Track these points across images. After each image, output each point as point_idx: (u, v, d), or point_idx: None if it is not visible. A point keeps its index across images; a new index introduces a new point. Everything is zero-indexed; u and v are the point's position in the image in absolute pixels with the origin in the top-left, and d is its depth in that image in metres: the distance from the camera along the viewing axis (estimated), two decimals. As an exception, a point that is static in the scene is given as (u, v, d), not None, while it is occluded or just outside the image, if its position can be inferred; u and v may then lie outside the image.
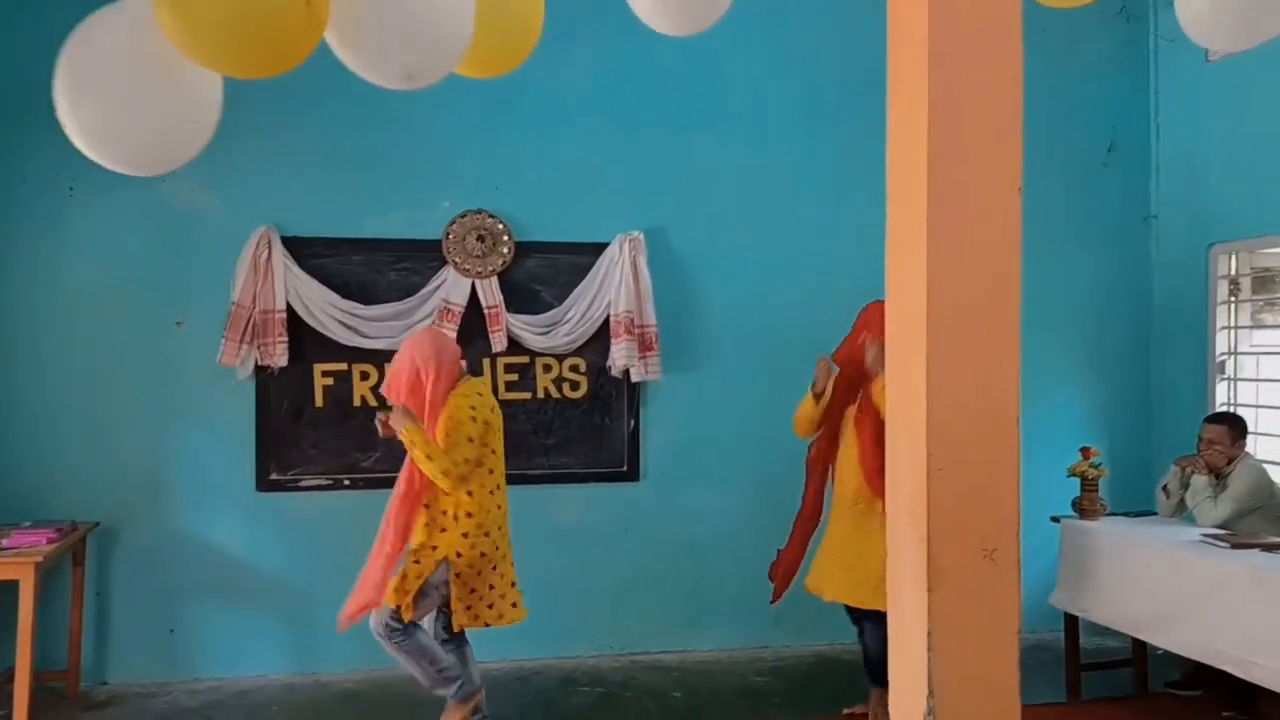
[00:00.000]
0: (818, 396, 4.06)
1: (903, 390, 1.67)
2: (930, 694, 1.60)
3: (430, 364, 3.64)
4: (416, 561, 3.65)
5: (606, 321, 5.00)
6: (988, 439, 1.61)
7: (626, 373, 5.02)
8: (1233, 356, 5.16)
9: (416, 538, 3.68)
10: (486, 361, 4.95)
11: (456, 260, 4.90)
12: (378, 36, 1.51)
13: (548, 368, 5.06)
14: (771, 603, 4.23)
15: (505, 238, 4.96)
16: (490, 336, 4.90)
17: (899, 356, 1.69)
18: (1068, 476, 4.42)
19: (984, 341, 1.61)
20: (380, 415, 3.67)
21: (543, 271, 5.05)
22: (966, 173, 1.60)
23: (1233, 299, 5.17)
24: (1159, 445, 5.44)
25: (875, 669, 4.03)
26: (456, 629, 3.77)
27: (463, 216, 4.94)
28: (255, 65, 1.44)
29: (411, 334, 4.04)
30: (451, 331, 4.81)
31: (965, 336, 1.60)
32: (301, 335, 4.77)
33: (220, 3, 1.35)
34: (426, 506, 3.69)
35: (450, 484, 3.53)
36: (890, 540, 1.73)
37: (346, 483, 4.85)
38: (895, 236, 1.71)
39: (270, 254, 4.69)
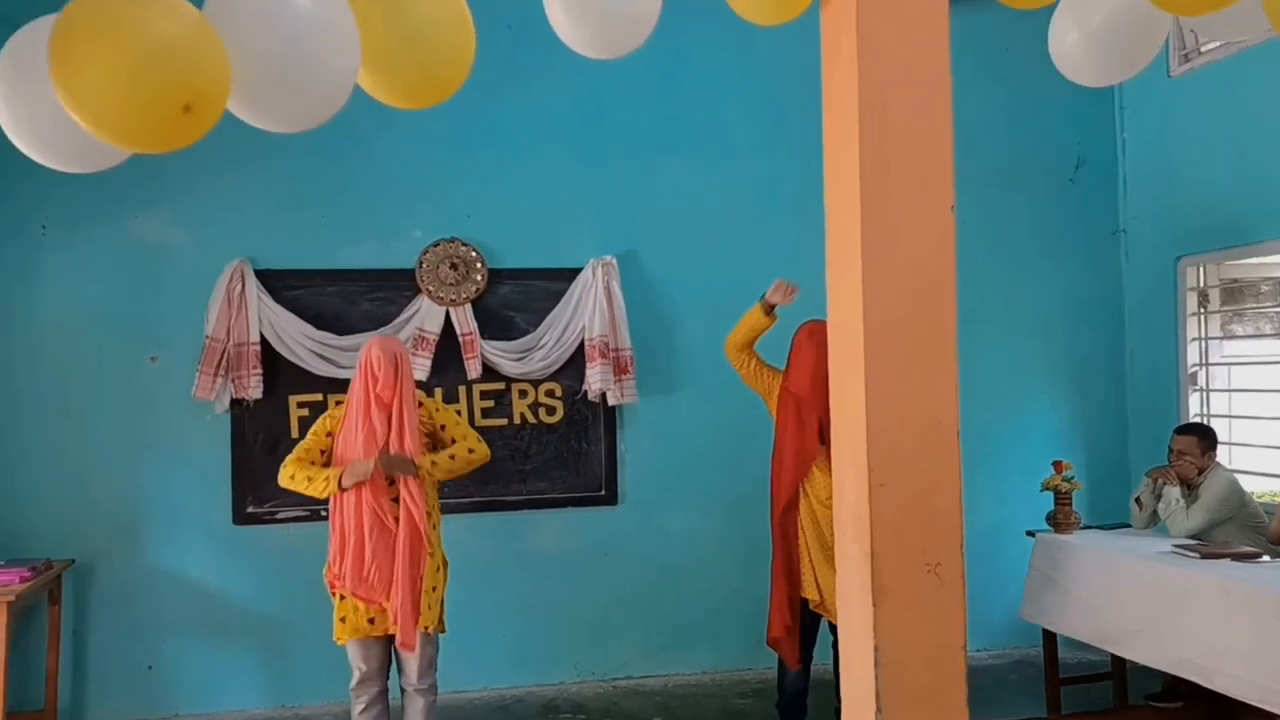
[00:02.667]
0: (768, 310, 3.83)
1: (843, 406, 1.69)
2: (879, 711, 1.61)
3: (408, 365, 3.61)
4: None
5: (581, 346, 5.02)
6: (928, 453, 1.62)
7: (603, 396, 5.03)
8: (1204, 368, 5.20)
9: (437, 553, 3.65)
10: (462, 389, 4.97)
11: (430, 289, 4.92)
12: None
13: (523, 393, 5.07)
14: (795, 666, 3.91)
15: (478, 265, 4.98)
16: (465, 364, 4.91)
17: (839, 373, 1.71)
18: (1041, 491, 4.43)
19: (922, 357, 1.63)
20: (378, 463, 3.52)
21: (516, 298, 5.07)
22: (899, 192, 1.63)
23: (1202, 310, 5.22)
24: (1135, 457, 5.47)
25: None
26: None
27: (435, 245, 4.96)
28: (137, 144, 1.54)
29: (378, 345, 3.58)
30: (426, 360, 4.83)
31: (902, 352, 1.62)
32: (276, 367, 4.77)
33: (106, 90, 1.42)
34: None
35: (486, 452, 3.68)
36: (838, 556, 1.74)
37: (324, 514, 4.79)
38: (833, 255, 1.73)
39: (244, 287, 4.70)
